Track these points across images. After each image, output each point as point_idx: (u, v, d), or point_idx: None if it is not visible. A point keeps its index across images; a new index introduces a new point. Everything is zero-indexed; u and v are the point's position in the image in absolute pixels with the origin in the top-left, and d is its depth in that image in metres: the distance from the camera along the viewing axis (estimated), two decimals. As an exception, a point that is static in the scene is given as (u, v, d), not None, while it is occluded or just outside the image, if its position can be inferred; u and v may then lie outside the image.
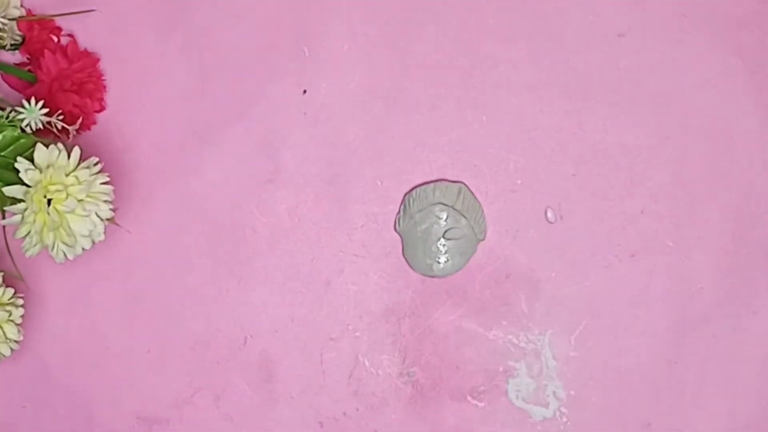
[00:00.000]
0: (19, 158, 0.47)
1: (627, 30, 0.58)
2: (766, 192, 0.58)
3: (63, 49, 0.56)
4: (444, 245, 0.56)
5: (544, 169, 0.57)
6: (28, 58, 0.57)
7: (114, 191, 0.49)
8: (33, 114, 0.50)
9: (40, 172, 0.47)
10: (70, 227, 0.48)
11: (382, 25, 0.58)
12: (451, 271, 0.57)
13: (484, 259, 0.57)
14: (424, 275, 0.57)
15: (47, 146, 0.47)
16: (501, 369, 0.57)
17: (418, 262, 0.57)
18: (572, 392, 0.57)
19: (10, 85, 0.56)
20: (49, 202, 0.47)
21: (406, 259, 0.57)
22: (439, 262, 0.57)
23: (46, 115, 0.51)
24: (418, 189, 0.57)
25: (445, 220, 0.56)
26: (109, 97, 0.58)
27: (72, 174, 0.47)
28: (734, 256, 0.57)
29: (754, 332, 0.57)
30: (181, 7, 0.58)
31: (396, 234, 0.57)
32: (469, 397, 0.57)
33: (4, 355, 0.50)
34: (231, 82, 0.58)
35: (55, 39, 0.57)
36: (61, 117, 0.52)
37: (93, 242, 0.49)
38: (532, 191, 0.57)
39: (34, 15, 0.56)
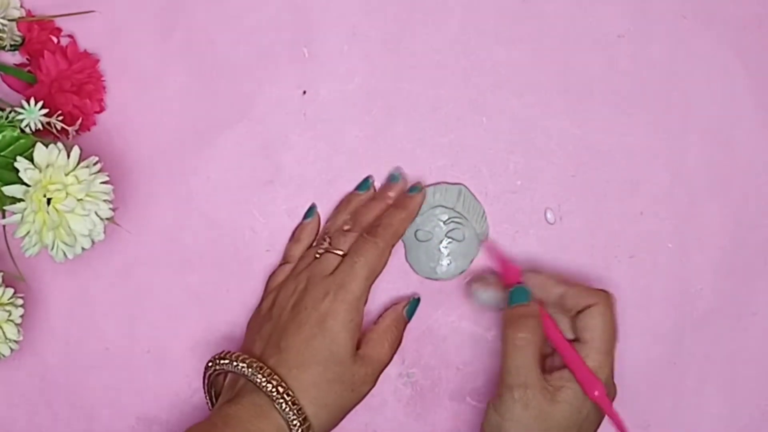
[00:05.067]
0: (18, 158, 0.47)
1: (627, 31, 0.57)
2: (766, 192, 0.57)
3: (63, 50, 0.56)
4: (446, 248, 0.56)
5: (544, 169, 0.57)
6: (27, 59, 0.57)
7: (114, 191, 0.49)
8: (32, 115, 0.50)
9: (40, 171, 0.47)
10: (69, 227, 0.48)
11: (382, 26, 0.58)
12: (455, 273, 0.57)
13: (483, 260, 0.57)
14: (429, 279, 0.57)
15: (47, 146, 0.47)
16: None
17: (422, 266, 0.57)
18: (572, 393, 0.57)
19: (9, 86, 0.56)
20: (48, 201, 0.47)
21: (409, 264, 0.57)
22: (442, 265, 0.57)
23: (45, 116, 0.51)
24: (417, 192, 0.57)
25: (446, 223, 0.56)
26: (109, 98, 0.58)
27: (71, 173, 0.47)
28: (734, 256, 0.57)
29: (753, 333, 0.57)
30: (181, 8, 0.58)
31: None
32: (468, 398, 0.57)
33: (3, 355, 0.50)
34: (231, 83, 0.58)
35: (55, 40, 0.57)
36: (60, 118, 0.52)
37: (93, 242, 0.49)
38: (531, 192, 0.57)
39: (33, 16, 0.56)
